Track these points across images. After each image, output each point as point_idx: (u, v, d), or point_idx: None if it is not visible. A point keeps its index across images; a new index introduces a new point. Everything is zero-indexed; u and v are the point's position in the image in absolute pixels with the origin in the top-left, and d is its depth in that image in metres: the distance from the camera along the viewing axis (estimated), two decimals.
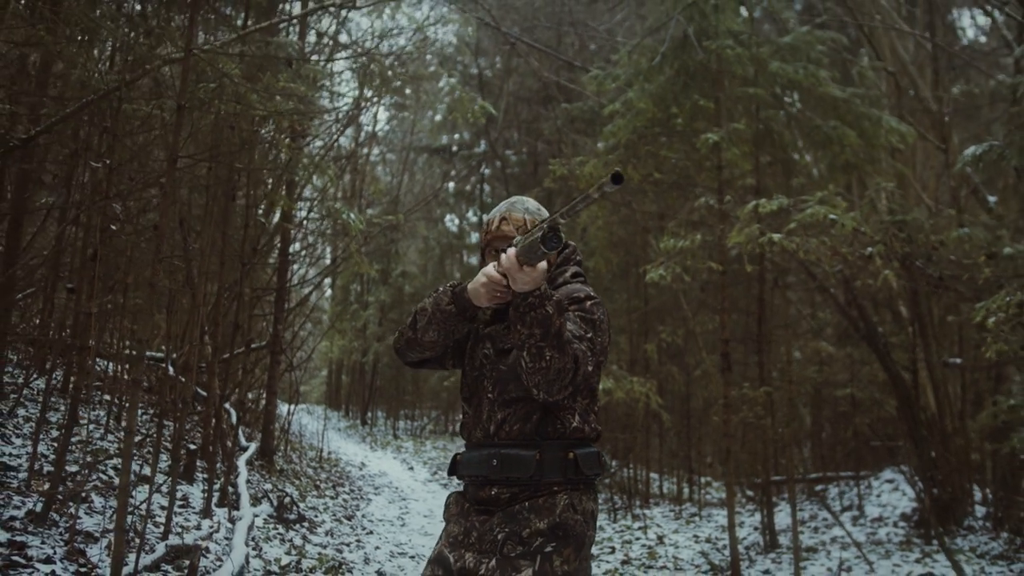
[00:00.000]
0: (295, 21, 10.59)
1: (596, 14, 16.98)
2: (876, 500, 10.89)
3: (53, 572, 5.28)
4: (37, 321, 8.96)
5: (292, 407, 13.76)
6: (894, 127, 8.40)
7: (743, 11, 9.16)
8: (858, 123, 8.49)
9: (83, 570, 5.51)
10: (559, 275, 2.86)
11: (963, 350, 10.01)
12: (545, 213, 2.85)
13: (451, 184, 26.19)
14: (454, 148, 25.78)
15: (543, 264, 2.35)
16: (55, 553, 5.56)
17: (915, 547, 8.59)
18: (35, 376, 8.88)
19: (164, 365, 9.45)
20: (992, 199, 10.90)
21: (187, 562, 6.46)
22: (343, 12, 12.16)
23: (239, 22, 9.43)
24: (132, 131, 6.87)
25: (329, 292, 24.89)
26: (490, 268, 2.56)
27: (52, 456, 7.33)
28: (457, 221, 28.32)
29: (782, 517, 11.02)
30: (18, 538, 5.54)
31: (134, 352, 8.75)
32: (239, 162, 7.31)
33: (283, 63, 6.54)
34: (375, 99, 13.82)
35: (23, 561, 5.26)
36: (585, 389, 2.67)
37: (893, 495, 10.79)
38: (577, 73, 15.51)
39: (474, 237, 25.37)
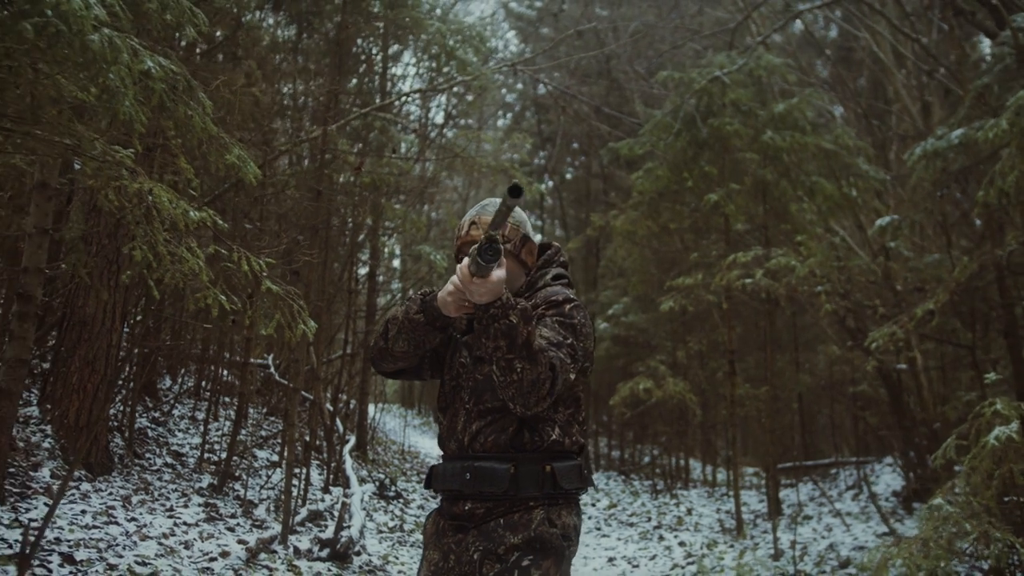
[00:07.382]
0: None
1: (639, 51, 18.92)
2: (876, 480, 12.74)
3: (238, 524, 7.56)
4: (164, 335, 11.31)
5: (379, 406, 16.09)
6: (873, 175, 10.29)
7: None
8: (845, 172, 10.39)
9: (256, 523, 7.79)
10: (539, 277, 2.70)
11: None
12: (522, 216, 2.70)
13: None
14: (516, 161, 27.64)
15: (499, 273, 2.18)
16: (236, 512, 7.83)
17: (896, 516, 10.46)
18: (178, 384, 11.33)
19: (273, 373, 11.83)
20: (979, 222, 12.56)
21: (322, 521, 8.74)
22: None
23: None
24: (275, 197, 9.10)
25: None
26: (456, 276, 2.34)
27: (206, 445, 9.66)
28: None
29: (791, 493, 12.96)
30: (210, 501, 7.83)
31: (289, 367, 11.02)
32: (354, 219, 9.55)
33: (390, 151, 8.73)
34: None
35: (218, 516, 7.54)
36: (568, 399, 2.52)
37: (891, 476, 12.61)
38: (620, 119, 17.55)
39: None
